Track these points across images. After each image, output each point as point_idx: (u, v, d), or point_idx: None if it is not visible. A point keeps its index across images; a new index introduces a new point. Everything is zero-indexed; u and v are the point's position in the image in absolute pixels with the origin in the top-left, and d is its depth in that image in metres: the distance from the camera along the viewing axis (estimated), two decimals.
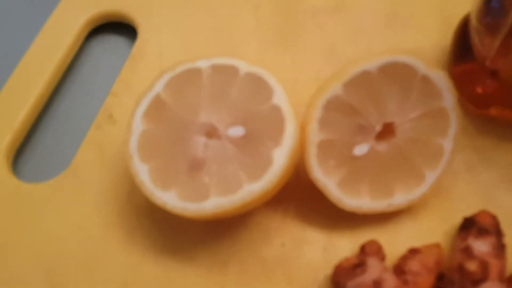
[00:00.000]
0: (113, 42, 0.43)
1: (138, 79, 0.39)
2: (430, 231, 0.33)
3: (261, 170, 0.29)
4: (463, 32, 0.36)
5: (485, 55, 0.31)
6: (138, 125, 0.31)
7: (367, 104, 0.31)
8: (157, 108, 0.31)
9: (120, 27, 0.43)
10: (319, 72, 0.39)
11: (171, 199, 0.29)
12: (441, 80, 0.32)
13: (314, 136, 0.31)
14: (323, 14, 0.42)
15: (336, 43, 0.40)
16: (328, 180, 0.31)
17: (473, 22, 0.34)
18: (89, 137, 0.37)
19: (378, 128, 0.31)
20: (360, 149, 0.32)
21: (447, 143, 0.32)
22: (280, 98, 0.30)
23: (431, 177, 0.32)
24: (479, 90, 0.34)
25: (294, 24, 0.42)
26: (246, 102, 0.31)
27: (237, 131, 0.30)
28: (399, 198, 0.32)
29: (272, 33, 0.41)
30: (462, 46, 0.36)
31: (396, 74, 0.31)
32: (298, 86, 0.38)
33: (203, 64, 0.32)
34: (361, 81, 0.31)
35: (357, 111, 0.31)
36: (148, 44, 0.40)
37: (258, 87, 0.31)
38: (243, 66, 0.31)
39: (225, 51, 0.40)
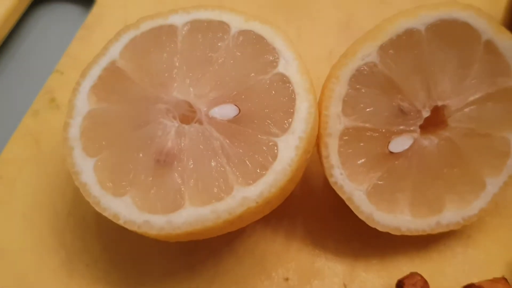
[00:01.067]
0: (65, 11, 0.33)
1: (91, 54, 0.29)
2: (490, 260, 0.25)
3: (261, 168, 0.19)
4: None
5: None
6: (84, 103, 0.22)
7: (412, 79, 0.22)
8: (111, 79, 0.22)
9: None
10: (333, 48, 0.30)
11: (125, 209, 0.20)
12: (511, 48, 0.23)
13: (336, 122, 0.21)
14: None
15: (354, 12, 0.31)
16: (354, 188, 0.22)
17: None
18: (23, 127, 0.27)
19: (425, 113, 0.22)
20: (400, 143, 0.22)
21: None
22: (289, 65, 0.21)
23: (493, 185, 0.24)
24: None
25: None
26: (239, 71, 0.21)
27: (225, 112, 0.21)
28: (450, 215, 0.23)
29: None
30: None
31: (452, 36, 0.22)
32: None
33: (179, 19, 0.23)
34: (404, 44, 0.22)
35: (398, 87, 0.22)
36: (108, 10, 0.31)
37: (258, 49, 0.21)
38: (236, 22, 0.22)
39: None
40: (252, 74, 0.21)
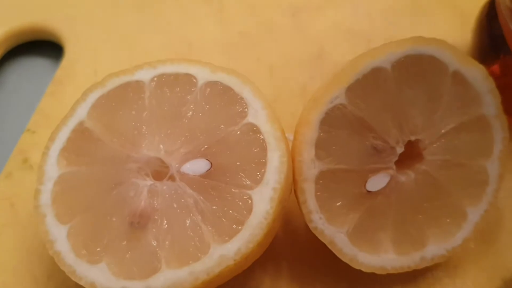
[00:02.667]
0: (33, 65, 0.33)
1: (62, 110, 0.28)
2: None
3: (236, 224, 0.19)
4: (488, 22, 0.27)
5: None
6: (54, 168, 0.21)
7: (383, 116, 0.22)
8: (80, 141, 0.22)
9: (42, 46, 0.33)
10: (306, 83, 0.30)
11: (101, 276, 0.19)
12: (478, 77, 0.23)
13: (310, 167, 0.21)
14: (305, 12, 0.33)
15: (325, 45, 0.31)
16: (335, 230, 0.21)
17: (506, 1, 0.25)
18: None
19: (399, 149, 0.22)
20: (377, 182, 0.22)
21: (492, 166, 0.23)
22: (258, 114, 0.21)
23: (474, 214, 0.23)
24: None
25: (269, 25, 0.32)
26: (208, 124, 0.21)
27: (197, 167, 0.20)
28: (434, 248, 0.23)
29: (241, 38, 0.32)
30: (488, 39, 0.27)
31: (420, 71, 0.22)
32: (279, 103, 0.29)
33: (145, 74, 0.22)
34: (372, 83, 0.22)
35: (369, 126, 0.22)
36: (78, 63, 0.31)
37: (226, 100, 0.21)
38: (203, 74, 0.22)
39: None
40: (222, 126, 0.21)
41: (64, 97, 0.29)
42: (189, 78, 0.22)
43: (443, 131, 0.23)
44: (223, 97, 0.21)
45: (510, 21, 0.26)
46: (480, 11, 0.29)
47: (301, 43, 0.31)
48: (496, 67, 0.27)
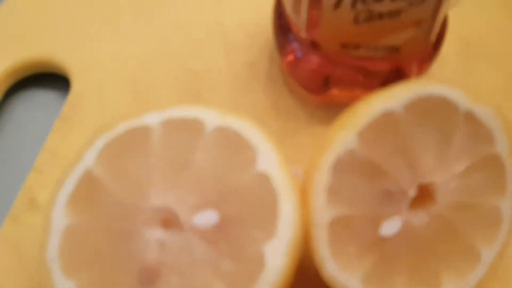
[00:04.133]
0: (39, 99, 0.33)
1: (69, 148, 0.28)
2: None
3: (248, 279, 0.18)
4: (279, 9, 0.30)
5: (300, 26, 0.27)
6: (60, 218, 0.21)
7: (394, 159, 0.21)
8: (87, 190, 0.21)
9: (49, 79, 0.33)
10: (313, 112, 0.29)
11: None
12: (490, 116, 0.22)
13: (322, 213, 0.21)
14: None
15: None
16: (348, 277, 0.21)
17: None
18: (3, 234, 0.26)
19: (412, 192, 0.22)
20: (390, 226, 0.22)
21: (506, 204, 0.23)
22: (268, 162, 0.20)
23: (488, 255, 0.23)
24: (306, 68, 0.28)
25: (275, 55, 0.32)
26: (217, 173, 0.21)
27: (207, 218, 0.20)
28: None
29: (250, 72, 0.31)
30: (281, 26, 0.29)
31: (431, 112, 0.22)
32: (285, 135, 0.28)
33: (153, 118, 0.22)
34: (383, 127, 0.21)
35: (381, 170, 0.21)
36: (84, 98, 0.30)
37: (235, 147, 0.21)
38: (211, 118, 0.22)
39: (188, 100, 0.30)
40: (231, 174, 0.20)
41: (71, 135, 0.29)
42: (197, 123, 0.22)
43: (456, 172, 0.22)
44: (232, 143, 0.21)
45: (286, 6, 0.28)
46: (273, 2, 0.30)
47: None
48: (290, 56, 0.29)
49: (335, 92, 0.30)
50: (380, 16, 0.25)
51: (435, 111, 0.22)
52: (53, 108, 0.32)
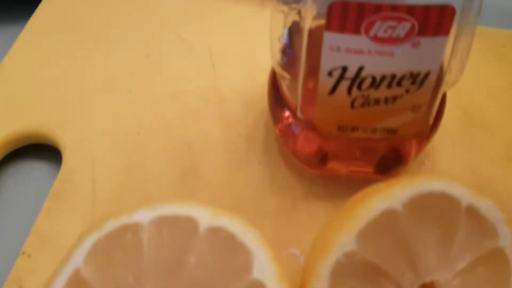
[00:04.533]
0: (32, 170, 0.32)
1: (59, 231, 0.28)
2: None
3: None
4: (275, 84, 0.29)
5: (295, 105, 0.26)
6: None
7: (395, 259, 0.21)
8: None
9: (43, 149, 0.32)
10: (310, 186, 0.29)
11: None
12: (492, 209, 0.22)
13: None
14: None
15: None
16: None
17: (276, 69, 0.27)
18: None
19: None
20: None
21: None
22: (264, 269, 0.19)
23: None
24: (302, 143, 0.28)
25: (271, 128, 0.32)
26: (211, 278, 0.20)
27: None
28: None
29: (246, 143, 0.31)
30: (277, 100, 0.29)
31: (432, 209, 0.21)
32: (291, 225, 0.28)
33: (145, 216, 0.21)
34: (383, 227, 0.21)
35: (381, 271, 0.21)
36: (75, 174, 0.30)
37: (229, 251, 0.20)
38: (204, 217, 0.21)
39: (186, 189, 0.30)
40: (225, 281, 0.20)
41: (60, 215, 0.28)
42: (190, 222, 0.21)
43: (459, 268, 0.22)
44: (226, 245, 0.20)
45: (282, 86, 0.28)
46: (269, 75, 0.30)
47: None
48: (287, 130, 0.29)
49: (332, 165, 0.29)
50: (377, 101, 0.24)
51: (436, 207, 0.21)
52: (45, 181, 0.31)
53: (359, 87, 0.24)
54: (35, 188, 0.31)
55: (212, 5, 0.38)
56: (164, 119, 0.32)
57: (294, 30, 0.25)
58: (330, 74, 0.23)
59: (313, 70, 0.24)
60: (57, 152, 0.32)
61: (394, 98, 0.24)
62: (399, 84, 0.23)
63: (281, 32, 0.26)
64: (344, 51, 0.22)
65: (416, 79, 0.23)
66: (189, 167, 0.30)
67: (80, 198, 0.29)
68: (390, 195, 0.21)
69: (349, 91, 0.24)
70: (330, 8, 0.21)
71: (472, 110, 0.33)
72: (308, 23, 0.23)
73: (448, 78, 0.25)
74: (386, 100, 0.24)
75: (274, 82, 0.29)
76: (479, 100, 0.34)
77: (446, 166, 0.30)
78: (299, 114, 0.26)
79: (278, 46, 0.26)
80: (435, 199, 0.21)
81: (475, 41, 0.36)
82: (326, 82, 0.24)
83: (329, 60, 0.23)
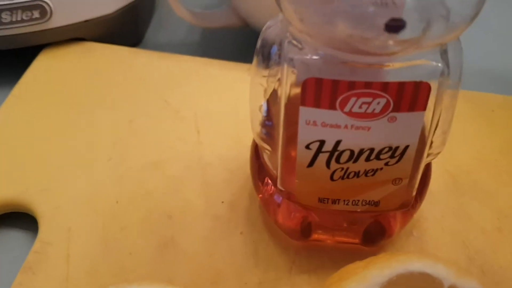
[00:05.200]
0: (8, 241, 0.31)
1: None
2: None
3: None
4: (257, 154, 0.29)
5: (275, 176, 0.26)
6: None
7: None
8: None
9: (20, 217, 0.31)
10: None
11: None
12: None
13: None
14: None
15: None
16: None
17: (257, 141, 0.27)
18: None
19: None
20: None
21: None
22: None
23: None
24: (285, 216, 0.27)
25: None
26: None
27: None
28: None
29: (229, 213, 0.30)
30: (259, 169, 0.29)
31: None
32: None
33: None
34: None
35: None
36: (50, 245, 0.29)
37: None
38: None
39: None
40: None
41: None
42: None
43: None
44: None
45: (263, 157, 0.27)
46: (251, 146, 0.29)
47: None
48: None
49: (317, 236, 0.28)
50: (356, 174, 0.23)
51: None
52: (22, 251, 0.30)
53: (337, 160, 0.23)
54: (10, 259, 0.30)
55: (200, 70, 0.38)
56: (144, 187, 0.31)
57: (272, 101, 0.25)
58: (307, 147, 0.23)
59: (292, 141, 0.23)
60: (35, 220, 0.31)
61: (374, 171, 0.23)
62: (378, 157, 0.23)
63: (261, 103, 0.26)
64: (320, 125, 0.22)
65: (395, 152, 0.23)
66: (169, 239, 0.29)
67: (53, 272, 0.28)
68: (367, 276, 0.20)
69: (328, 164, 0.23)
70: (304, 84, 0.21)
71: (461, 177, 0.32)
72: (285, 94, 0.22)
73: (430, 150, 0.24)
74: (366, 173, 0.23)
75: (256, 152, 0.29)
76: (468, 167, 0.33)
77: (435, 237, 0.29)
78: (279, 185, 0.26)
79: (258, 117, 0.26)
80: (415, 280, 0.20)
81: (464, 106, 0.36)
82: (304, 155, 0.23)
83: (306, 134, 0.22)
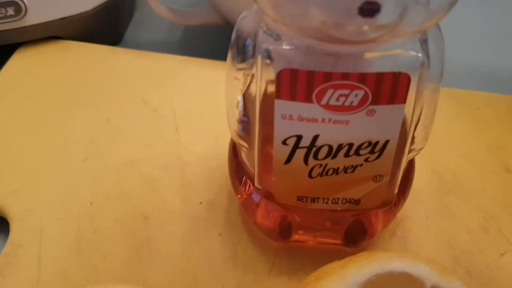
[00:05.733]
0: None
1: None
2: None
3: None
4: (234, 152, 0.28)
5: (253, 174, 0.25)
6: None
7: None
8: None
9: None
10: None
11: None
12: None
13: None
14: None
15: None
16: None
17: (234, 138, 0.26)
18: None
19: None
20: None
21: None
22: None
23: None
24: (264, 216, 0.26)
25: (231, 193, 0.30)
26: None
27: None
28: None
29: (207, 214, 0.29)
30: (237, 168, 0.28)
31: None
32: None
33: None
34: None
35: None
36: (22, 250, 0.28)
37: None
38: None
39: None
40: None
41: None
42: None
43: None
44: None
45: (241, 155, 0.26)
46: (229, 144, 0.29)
47: None
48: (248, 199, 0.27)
49: (298, 237, 0.27)
50: (335, 171, 0.22)
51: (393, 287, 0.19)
52: None
53: (315, 156, 0.22)
54: None
55: (179, 68, 0.38)
56: (121, 187, 0.30)
57: (248, 96, 0.24)
58: (284, 142, 0.22)
59: (268, 138, 0.22)
60: (7, 222, 0.30)
61: (354, 168, 0.22)
62: (357, 153, 0.22)
63: (237, 99, 0.25)
64: (297, 119, 0.21)
65: (375, 148, 0.22)
66: (144, 240, 0.28)
67: (24, 275, 0.27)
68: (345, 275, 0.19)
69: (306, 160, 0.22)
70: (279, 76, 0.20)
71: (446, 176, 0.31)
72: (260, 88, 0.21)
73: (412, 146, 0.24)
74: (345, 169, 0.22)
75: (234, 150, 0.28)
76: (454, 165, 0.32)
77: (419, 237, 0.29)
78: (257, 183, 0.25)
79: (234, 113, 0.25)
80: (396, 280, 0.19)
81: (449, 103, 0.35)
82: (281, 151, 0.22)
83: (282, 129, 0.21)
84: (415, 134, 0.23)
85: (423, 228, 0.29)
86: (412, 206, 0.30)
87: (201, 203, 0.30)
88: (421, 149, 0.25)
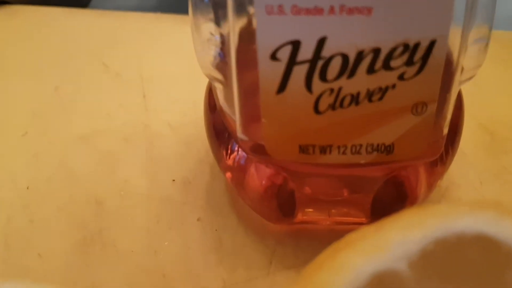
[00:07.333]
0: None
1: None
2: None
3: None
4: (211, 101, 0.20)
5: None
6: None
7: None
8: None
9: None
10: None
11: None
12: None
13: None
14: None
15: None
16: None
17: (205, 72, 0.18)
18: None
19: None
20: None
21: None
22: None
23: None
24: (255, 185, 0.19)
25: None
26: None
27: None
28: None
29: (183, 195, 0.22)
30: (215, 123, 0.20)
31: (460, 266, 0.11)
32: None
33: None
34: None
35: None
36: None
37: None
38: None
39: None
40: None
41: None
42: None
43: None
44: None
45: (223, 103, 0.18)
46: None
47: None
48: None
49: (304, 216, 0.20)
50: (355, 98, 0.15)
51: (469, 261, 0.11)
52: None
53: (323, 76, 0.15)
54: None
55: (148, 27, 0.30)
56: (67, 167, 0.23)
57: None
58: (274, 56, 0.14)
59: (251, 58, 0.15)
60: None
61: (383, 91, 0.15)
62: (387, 65, 0.14)
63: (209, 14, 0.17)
64: (290, 12, 0.13)
65: (414, 54, 0.14)
66: (95, 232, 0.21)
67: None
68: (382, 244, 0.11)
69: (308, 84, 0.15)
70: None
71: (500, 132, 0.24)
72: None
73: (466, 63, 0.16)
74: (370, 95, 0.15)
75: (210, 101, 0.20)
76: (507, 117, 0.24)
77: None
78: (240, 133, 0.17)
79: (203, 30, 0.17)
80: (467, 247, 0.11)
81: (497, 47, 0.28)
82: (269, 72, 0.15)
83: (268, 33, 0.14)
84: (465, 61, 0.16)
85: (477, 197, 0.21)
86: (459, 170, 0.22)
87: (174, 180, 0.22)
88: (472, 77, 0.17)
